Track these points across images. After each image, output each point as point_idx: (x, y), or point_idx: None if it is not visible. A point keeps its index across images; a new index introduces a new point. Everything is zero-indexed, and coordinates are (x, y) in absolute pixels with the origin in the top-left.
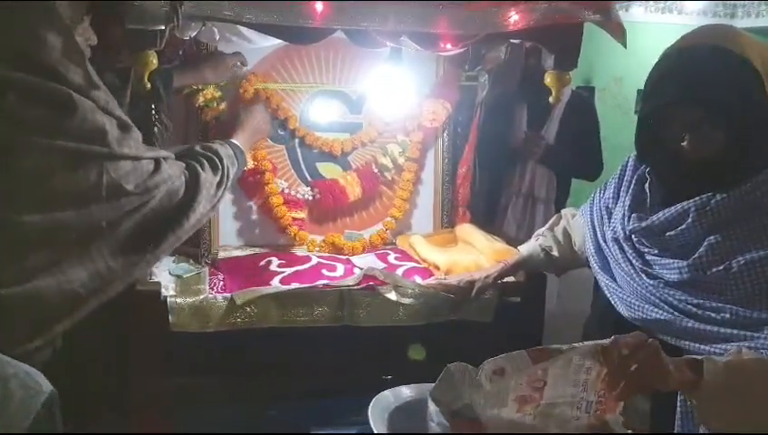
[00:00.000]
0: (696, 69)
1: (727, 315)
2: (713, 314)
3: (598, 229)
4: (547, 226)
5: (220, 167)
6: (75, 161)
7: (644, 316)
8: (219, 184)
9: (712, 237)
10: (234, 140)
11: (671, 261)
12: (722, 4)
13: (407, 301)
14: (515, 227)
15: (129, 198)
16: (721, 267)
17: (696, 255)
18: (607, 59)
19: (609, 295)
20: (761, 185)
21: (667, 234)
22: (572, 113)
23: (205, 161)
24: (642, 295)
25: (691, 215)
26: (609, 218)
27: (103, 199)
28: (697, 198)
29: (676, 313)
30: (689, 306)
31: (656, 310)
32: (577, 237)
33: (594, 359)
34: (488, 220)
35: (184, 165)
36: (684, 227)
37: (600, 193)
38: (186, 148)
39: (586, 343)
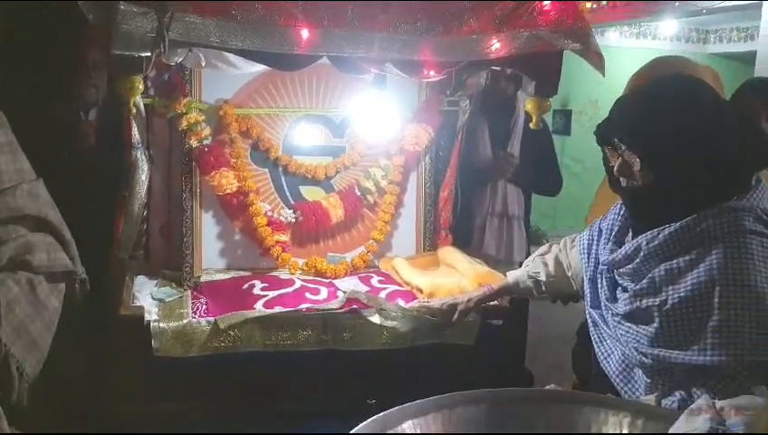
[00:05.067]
0: (629, 104)
1: (660, 354)
2: (644, 359)
3: (591, 261)
4: (537, 253)
5: None
6: None
7: (608, 368)
8: None
9: (656, 269)
10: None
11: (625, 294)
12: (695, 29)
13: (390, 324)
14: (495, 246)
15: None
16: (657, 300)
17: (637, 286)
18: (583, 82)
19: (591, 334)
20: (707, 218)
21: (627, 267)
22: (529, 131)
23: None
24: (613, 332)
25: (643, 249)
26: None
27: None
28: (648, 233)
29: (630, 363)
30: (633, 341)
31: (616, 359)
32: (573, 262)
33: None
34: (468, 241)
35: None
36: (638, 260)
37: (598, 223)
38: None
39: None
